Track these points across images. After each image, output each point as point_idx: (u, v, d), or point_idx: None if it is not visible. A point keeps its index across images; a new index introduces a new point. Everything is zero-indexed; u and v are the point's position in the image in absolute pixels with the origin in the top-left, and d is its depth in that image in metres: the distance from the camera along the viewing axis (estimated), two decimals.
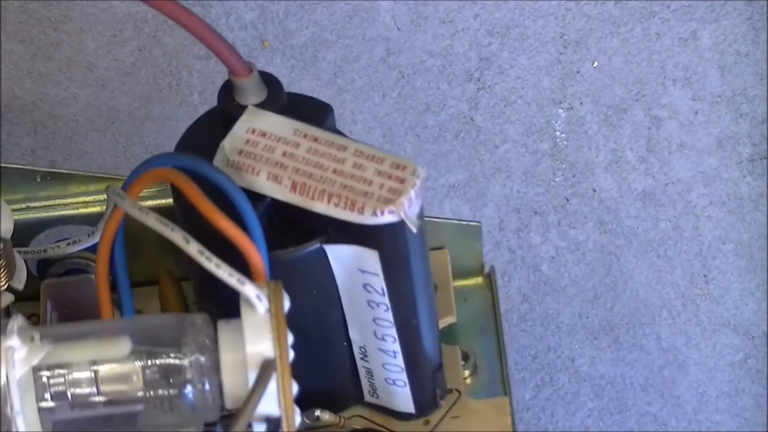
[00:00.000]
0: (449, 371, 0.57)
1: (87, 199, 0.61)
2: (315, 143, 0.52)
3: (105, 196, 0.56)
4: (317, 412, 0.54)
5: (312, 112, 0.54)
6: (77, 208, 0.61)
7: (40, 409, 0.47)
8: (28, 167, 0.61)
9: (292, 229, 0.52)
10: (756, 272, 0.68)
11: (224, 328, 0.48)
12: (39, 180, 0.60)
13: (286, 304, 0.48)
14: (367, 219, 0.50)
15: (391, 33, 0.69)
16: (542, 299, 0.71)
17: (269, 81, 0.54)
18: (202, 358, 0.47)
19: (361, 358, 0.55)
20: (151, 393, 0.47)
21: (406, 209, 0.50)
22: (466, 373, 0.58)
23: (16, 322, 0.47)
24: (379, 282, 0.52)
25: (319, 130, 0.52)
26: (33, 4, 0.68)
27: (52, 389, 0.47)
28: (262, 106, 0.53)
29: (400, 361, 0.54)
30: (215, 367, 0.47)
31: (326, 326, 0.51)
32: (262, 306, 0.47)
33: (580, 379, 0.71)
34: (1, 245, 0.53)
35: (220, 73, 0.71)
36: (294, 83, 0.71)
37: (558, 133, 0.70)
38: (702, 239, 0.68)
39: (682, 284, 0.69)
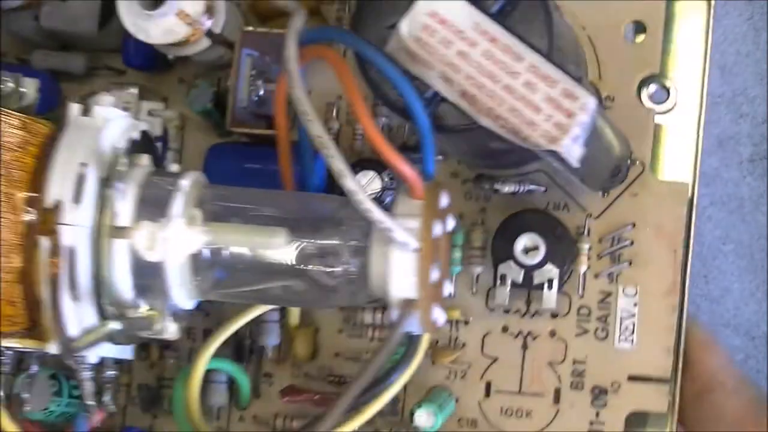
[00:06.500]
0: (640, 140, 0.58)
1: None
2: (492, 45, 0.50)
3: None
4: None
5: None
6: None
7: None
8: None
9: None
10: (756, 272, 0.67)
11: (377, 230, 0.50)
12: None
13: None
14: (529, 146, 0.50)
15: None
16: None
17: None
18: (359, 243, 0.51)
19: None
20: (302, 266, 0.51)
21: (568, 147, 0.50)
22: None
23: (182, 198, 0.50)
24: None
25: (498, 28, 0.50)
26: None
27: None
28: None
29: None
30: (365, 254, 0.51)
31: None
32: (409, 251, 0.50)
33: None
34: None
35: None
36: None
37: None
38: (702, 239, 0.68)
39: None
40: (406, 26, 0.50)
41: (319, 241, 0.51)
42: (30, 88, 0.58)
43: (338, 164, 0.49)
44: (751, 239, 0.67)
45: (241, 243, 0.50)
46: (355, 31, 0.52)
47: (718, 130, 0.67)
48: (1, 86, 0.57)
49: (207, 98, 0.56)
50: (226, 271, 0.51)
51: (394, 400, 0.57)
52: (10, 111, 0.50)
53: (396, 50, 0.51)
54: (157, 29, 0.54)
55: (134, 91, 0.58)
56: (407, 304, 0.50)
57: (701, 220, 0.67)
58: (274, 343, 0.58)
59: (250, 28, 0.56)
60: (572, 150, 0.50)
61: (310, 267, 0.51)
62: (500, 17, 0.51)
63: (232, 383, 0.58)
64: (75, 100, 0.57)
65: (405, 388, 0.57)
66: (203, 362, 0.55)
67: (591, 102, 0.50)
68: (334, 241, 0.51)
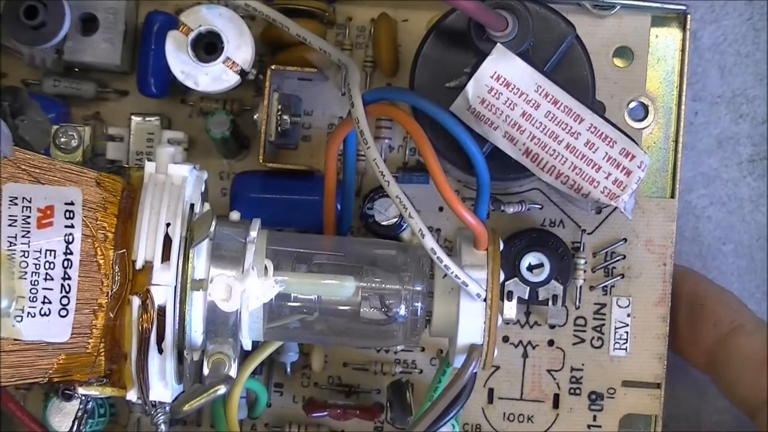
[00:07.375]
0: None
1: None
2: (554, 107, 0.53)
3: None
4: None
5: (553, 34, 0.54)
6: None
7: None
8: None
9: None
10: (756, 273, 0.68)
11: (440, 277, 0.52)
12: None
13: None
14: (588, 202, 0.54)
15: None
16: None
17: (520, 17, 0.54)
18: (419, 287, 0.52)
19: None
20: (364, 310, 0.52)
21: (625, 203, 0.53)
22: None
23: (251, 252, 0.50)
24: None
25: (558, 89, 0.53)
26: None
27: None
28: (510, 43, 0.54)
29: None
30: (428, 294, 0.53)
31: None
32: (480, 301, 0.51)
33: None
34: None
35: None
36: None
37: None
38: (702, 239, 0.68)
39: None
40: (471, 88, 0.53)
41: (381, 286, 0.52)
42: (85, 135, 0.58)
43: (418, 224, 0.51)
44: (751, 239, 0.68)
45: (312, 292, 0.52)
46: (414, 89, 0.54)
47: (717, 131, 0.68)
48: (63, 139, 0.57)
49: (226, 126, 0.58)
50: (293, 315, 0.52)
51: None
52: (87, 168, 0.51)
53: (461, 110, 0.53)
54: (206, 78, 0.55)
55: (157, 122, 0.59)
56: (473, 349, 0.51)
57: (701, 221, 0.68)
58: (293, 360, 0.60)
59: (275, 67, 0.57)
60: (629, 204, 0.53)
61: (371, 310, 0.52)
62: (552, 74, 0.54)
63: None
64: (82, 121, 0.59)
65: (413, 394, 0.59)
66: (242, 383, 0.57)
67: (646, 159, 0.53)
68: (396, 286, 0.52)
